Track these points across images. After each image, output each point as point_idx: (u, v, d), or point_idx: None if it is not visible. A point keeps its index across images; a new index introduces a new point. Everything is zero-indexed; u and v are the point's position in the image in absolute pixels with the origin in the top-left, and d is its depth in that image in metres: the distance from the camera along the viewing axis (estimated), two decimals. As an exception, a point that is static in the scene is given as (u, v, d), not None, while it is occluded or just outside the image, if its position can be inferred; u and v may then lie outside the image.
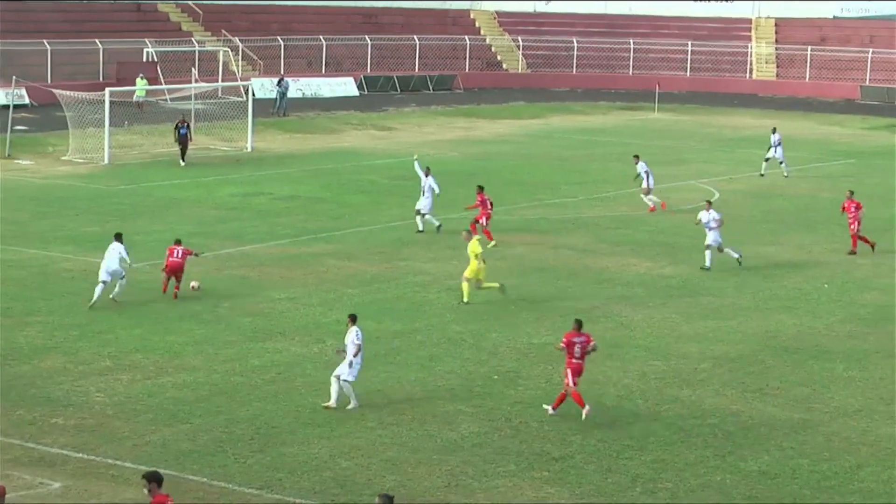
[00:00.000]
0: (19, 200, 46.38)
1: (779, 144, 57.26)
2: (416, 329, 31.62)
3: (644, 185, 48.28)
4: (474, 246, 34.22)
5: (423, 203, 42.91)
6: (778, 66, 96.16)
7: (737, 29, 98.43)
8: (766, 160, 57.42)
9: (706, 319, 33.42)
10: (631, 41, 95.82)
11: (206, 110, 66.06)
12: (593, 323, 32.35)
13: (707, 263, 38.51)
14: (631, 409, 26.44)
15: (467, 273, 34.16)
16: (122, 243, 33.48)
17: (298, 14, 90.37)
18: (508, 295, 34.71)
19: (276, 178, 53.45)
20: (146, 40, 78.68)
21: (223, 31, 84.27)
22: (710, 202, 40.31)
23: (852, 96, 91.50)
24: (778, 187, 54.73)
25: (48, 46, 74.39)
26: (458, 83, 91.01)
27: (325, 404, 25.60)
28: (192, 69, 75.72)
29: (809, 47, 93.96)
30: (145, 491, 17.41)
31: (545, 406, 25.82)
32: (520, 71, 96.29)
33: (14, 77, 62.99)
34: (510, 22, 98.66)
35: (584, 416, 25.36)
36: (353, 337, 25.70)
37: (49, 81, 70.40)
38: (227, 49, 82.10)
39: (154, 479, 17.38)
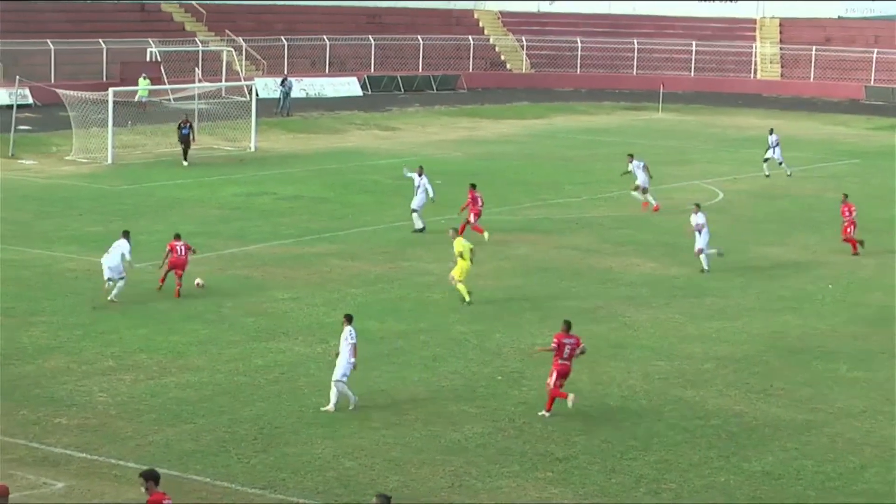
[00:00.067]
0: (23, 200, 46.39)
1: (777, 145, 57.17)
2: (420, 329, 31.60)
3: (638, 182, 48.18)
4: (459, 244, 34.22)
5: (416, 201, 43.00)
6: (782, 67, 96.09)
7: (741, 29, 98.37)
8: (766, 161, 57.35)
9: (710, 320, 33.38)
10: (635, 41, 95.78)
11: (209, 110, 66.04)
12: (597, 323, 32.37)
13: (705, 267, 38.41)
14: (635, 410, 26.41)
15: (457, 275, 34.06)
16: (128, 242, 33.50)
17: (302, 14, 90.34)
18: (511, 295, 34.69)
19: (280, 178, 53.44)
20: (150, 40, 78.67)
21: (227, 31, 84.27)
22: (698, 205, 39.89)
23: (857, 96, 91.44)
24: (782, 188, 54.67)
25: (52, 46, 74.40)
26: (461, 83, 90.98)
27: (324, 409, 25.56)
28: (196, 69, 75.68)
29: (814, 47, 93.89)
30: (142, 489, 17.45)
31: (539, 413, 25.74)
32: (523, 71, 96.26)
33: (18, 77, 62.97)
34: (514, 22, 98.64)
35: (570, 404, 25.29)
36: (346, 336, 25.68)
37: (53, 81, 70.36)
38: (230, 49, 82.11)
39: (151, 478, 17.43)
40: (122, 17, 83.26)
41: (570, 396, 25.42)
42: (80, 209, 45.46)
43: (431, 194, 43.18)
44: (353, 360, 25.62)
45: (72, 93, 58.67)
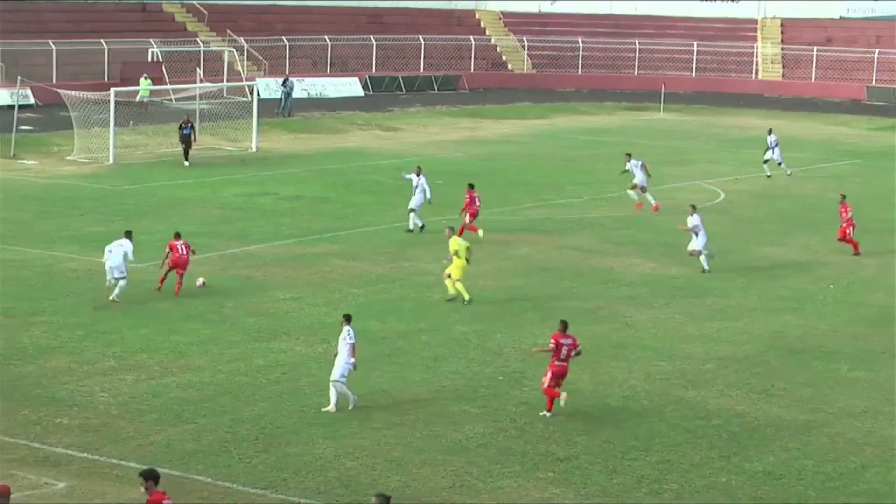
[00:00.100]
0: (24, 200, 46.40)
1: (776, 145, 57.15)
2: (421, 329, 31.60)
3: (636, 181, 48.18)
4: (454, 243, 34.26)
5: (414, 201, 43.03)
6: (784, 67, 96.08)
7: (743, 29, 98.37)
8: (766, 162, 57.34)
9: (711, 320, 33.39)
10: (636, 41, 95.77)
11: (210, 110, 66.05)
12: (598, 323, 32.39)
13: (706, 267, 38.41)
14: (636, 410, 26.41)
15: (454, 274, 34.07)
16: (131, 241, 33.51)
17: (303, 14, 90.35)
18: (513, 295, 34.72)
19: (281, 179, 53.46)
20: (151, 40, 78.69)
21: (228, 31, 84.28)
22: (693, 206, 39.82)
23: (858, 97, 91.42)
24: (784, 188, 54.68)
25: (53, 46, 74.43)
26: (463, 83, 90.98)
27: (325, 409, 25.57)
28: (197, 69, 75.72)
29: (815, 48, 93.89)
30: (142, 489, 17.46)
31: (541, 413, 25.74)
32: (525, 71, 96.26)
33: (19, 77, 63.00)
34: (515, 22, 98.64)
35: (562, 402, 25.31)
36: (344, 336, 25.69)
37: (54, 81, 70.38)
38: (231, 49, 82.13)
39: (151, 477, 17.45)
40: (124, 17, 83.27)
41: (563, 395, 25.42)
42: (81, 209, 45.47)
43: (429, 196, 43.20)
44: (352, 360, 25.62)
45: (73, 93, 58.68)
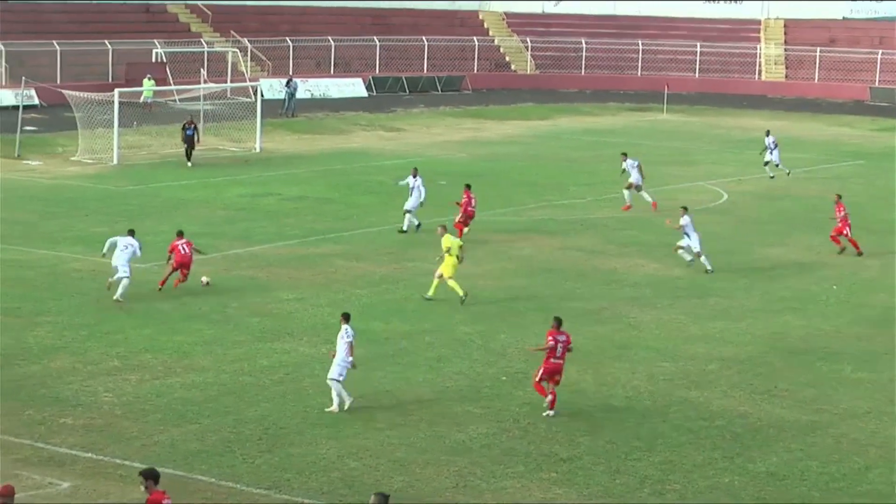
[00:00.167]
0: (28, 201, 46.46)
1: (775, 147, 57.05)
2: (425, 330, 31.63)
3: (631, 180, 48.18)
4: (447, 241, 34.31)
5: (410, 202, 43.07)
6: (787, 68, 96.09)
7: (746, 30, 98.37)
8: (766, 164, 57.28)
9: (714, 320, 33.41)
10: (640, 42, 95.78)
11: (214, 111, 66.10)
12: (602, 324, 32.43)
13: (709, 267, 38.40)
14: (639, 411, 26.44)
15: (446, 272, 34.11)
16: (136, 240, 33.52)
17: (307, 15, 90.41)
18: (516, 295, 34.75)
19: (285, 179, 53.49)
20: (155, 41, 78.79)
21: (232, 32, 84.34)
22: (685, 208, 39.76)
23: (861, 97, 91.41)
24: (786, 189, 54.67)
25: (57, 47, 74.49)
26: (466, 84, 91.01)
27: (328, 409, 25.59)
28: (201, 70, 75.79)
29: (818, 48, 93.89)
30: (142, 488, 17.50)
31: (544, 413, 25.78)
32: (528, 72, 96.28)
33: (23, 78, 63.09)
34: (519, 23, 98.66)
35: (546, 411, 25.39)
36: (342, 335, 25.71)
37: (58, 82, 70.49)
38: (235, 50, 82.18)
39: (151, 477, 17.50)
40: (128, 17, 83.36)
41: (548, 398, 25.43)
42: (85, 210, 45.52)
43: (422, 197, 43.25)
44: (350, 358, 25.61)
45: (77, 93, 58.74)
